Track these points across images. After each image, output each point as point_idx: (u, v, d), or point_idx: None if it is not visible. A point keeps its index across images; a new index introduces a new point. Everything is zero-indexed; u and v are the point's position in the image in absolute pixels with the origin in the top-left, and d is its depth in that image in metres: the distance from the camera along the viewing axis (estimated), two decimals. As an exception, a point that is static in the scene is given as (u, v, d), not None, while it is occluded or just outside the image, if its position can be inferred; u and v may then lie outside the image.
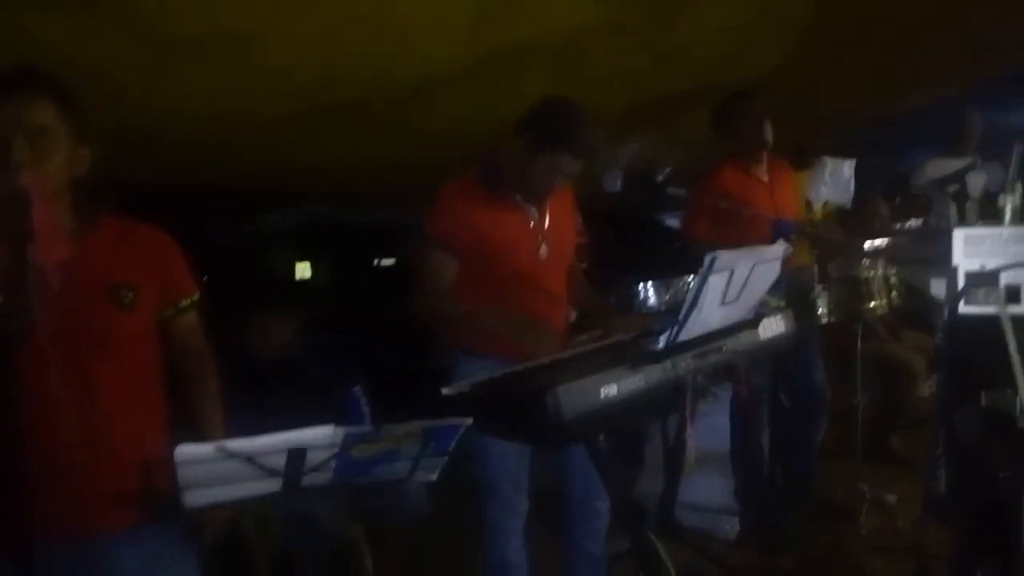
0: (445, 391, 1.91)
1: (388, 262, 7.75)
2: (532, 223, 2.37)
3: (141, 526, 1.59)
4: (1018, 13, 3.47)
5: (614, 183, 2.27)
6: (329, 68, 2.30)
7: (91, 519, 1.56)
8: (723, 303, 1.90)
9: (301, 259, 6.47)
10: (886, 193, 4.33)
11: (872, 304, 2.95)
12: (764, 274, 2.00)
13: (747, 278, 1.92)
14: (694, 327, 1.85)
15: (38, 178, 1.42)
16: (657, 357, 1.80)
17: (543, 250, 2.38)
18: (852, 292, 2.94)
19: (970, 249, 2.05)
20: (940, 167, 4.76)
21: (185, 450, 1.18)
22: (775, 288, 2.18)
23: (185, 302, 1.78)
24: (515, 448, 2.29)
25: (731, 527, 3.52)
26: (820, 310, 2.89)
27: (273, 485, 1.39)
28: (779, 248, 2.07)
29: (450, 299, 2.31)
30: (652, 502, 2.37)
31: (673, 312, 3.18)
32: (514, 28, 2.43)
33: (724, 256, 1.77)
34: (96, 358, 1.58)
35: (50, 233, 1.36)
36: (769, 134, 3.04)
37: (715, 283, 1.80)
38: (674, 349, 1.84)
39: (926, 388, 4.03)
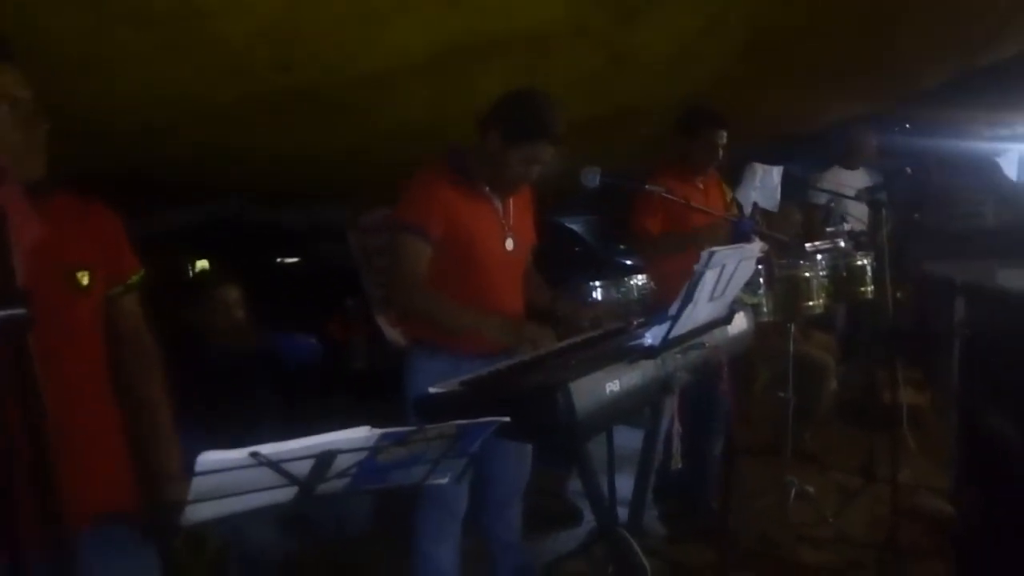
0: (432, 390, 1.83)
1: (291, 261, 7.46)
2: (499, 214, 2.36)
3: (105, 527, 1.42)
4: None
5: (593, 179, 2.25)
6: (287, 51, 2.15)
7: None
8: (711, 299, 1.92)
9: (200, 258, 6.10)
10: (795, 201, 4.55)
11: (811, 303, 3.10)
12: (744, 270, 2.04)
13: (732, 274, 1.95)
14: (686, 322, 1.86)
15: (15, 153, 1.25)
16: (654, 353, 1.80)
17: (509, 242, 2.36)
18: (793, 291, 3.07)
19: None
20: (836, 177, 5.12)
21: (210, 457, 1.04)
22: (747, 285, 2.25)
23: (133, 278, 1.64)
24: None
25: (660, 523, 3.57)
26: (764, 309, 2.99)
27: (285, 495, 1.27)
28: (757, 246, 2.13)
29: (431, 293, 2.23)
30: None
31: (626, 310, 3.20)
32: (482, 20, 2.36)
33: (720, 251, 1.79)
34: (55, 349, 1.39)
35: (24, 214, 1.19)
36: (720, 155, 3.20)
37: (709, 278, 1.82)
38: (667, 345, 1.83)
39: (835, 383, 4.29)
